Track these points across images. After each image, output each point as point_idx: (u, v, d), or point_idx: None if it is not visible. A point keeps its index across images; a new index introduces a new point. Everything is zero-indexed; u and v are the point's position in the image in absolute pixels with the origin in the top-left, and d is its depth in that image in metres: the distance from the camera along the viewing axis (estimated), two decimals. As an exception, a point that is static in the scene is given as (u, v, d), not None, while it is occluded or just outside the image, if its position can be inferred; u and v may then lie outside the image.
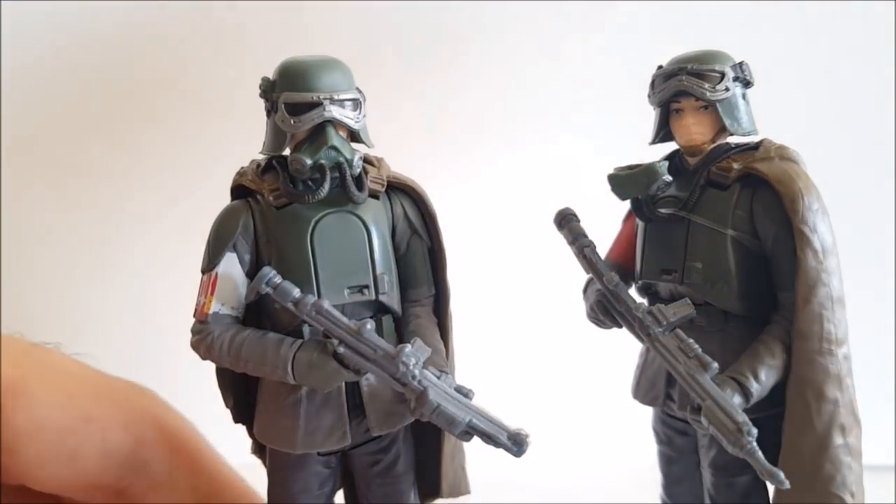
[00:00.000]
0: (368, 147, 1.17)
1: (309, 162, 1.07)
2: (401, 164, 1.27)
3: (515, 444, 1.08)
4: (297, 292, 1.07)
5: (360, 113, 1.11)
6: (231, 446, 1.51)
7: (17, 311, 2.20)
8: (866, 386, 1.26)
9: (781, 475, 1.06)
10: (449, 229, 1.29)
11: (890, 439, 2.04)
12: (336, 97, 1.06)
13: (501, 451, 1.10)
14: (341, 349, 1.07)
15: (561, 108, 2.15)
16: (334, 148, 1.07)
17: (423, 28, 2.14)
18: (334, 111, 1.06)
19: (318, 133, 1.08)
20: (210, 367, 1.24)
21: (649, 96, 1.27)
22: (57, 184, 2.17)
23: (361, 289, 1.14)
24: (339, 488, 1.37)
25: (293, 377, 1.09)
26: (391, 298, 1.18)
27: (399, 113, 1.96)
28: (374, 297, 1.15)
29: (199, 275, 1.18)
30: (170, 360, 2.15)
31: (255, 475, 1.36)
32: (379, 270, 1.15)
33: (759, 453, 1.07)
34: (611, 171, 1.25)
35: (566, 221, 1.28)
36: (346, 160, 1.09)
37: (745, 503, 1.25)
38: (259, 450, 1.36)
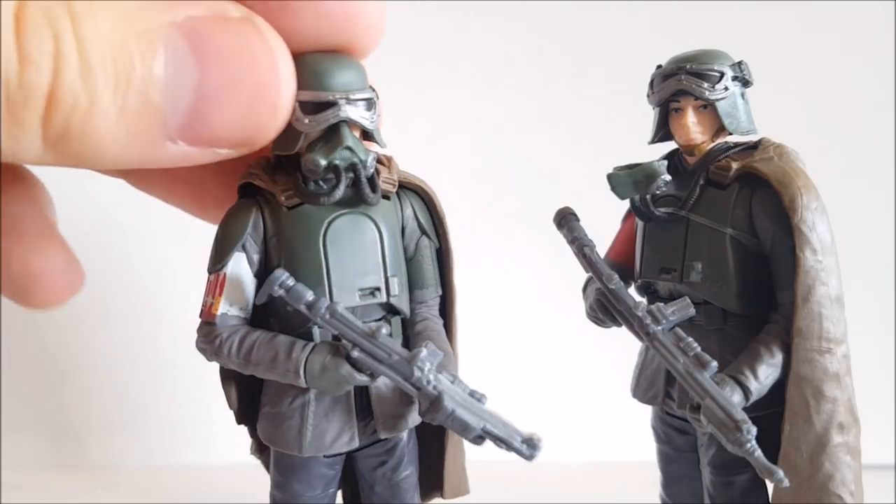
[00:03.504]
0: (381, 147, 1.15)
1: (323, 162, 1.04)
2: (403, 165, 1.27)
3: (529, 447, 1.07)
4: (310, 295, 1.05)
5: (374, 113, 1.08)
6: (231, 445, 1.51)
7: (18, 309, 2.21)
8: (866, 385, 1.26)
9: (780, 473, 1.07)
10: (452, 231, 1.29)
11: (890, 439, 2.04)
12: (351, 97, 1.03)
13: (499, 451, 1.10)
14: (355, 353, 1.06)
15: (561, 108, 2.15)
16: (349, 148, 1.04)
17: (423, 26, 2.14)
18: (350, 111, 1.03)
19: (333, 133, 1.04)
20: (211, 368, 1.24)
21: (648, 96, 1.27)
22: (56, 180, 2.17)
23: (373, 291, 1.13)
24: (338, 489, 1.37)
25: (305, 381, 1.08)
26: (401, 300, 1.17)
27: (403, 114, 1.95)
28: (385, 299, 1.13)
29: (195, 271, 1.17)
30: (171, 361, 2.16)
31: (255, 475, 1.36)
32: (390, 273, 1.14)
33: (759, 451, 1.08)
34: (610, 170, 1.25)
35: (566, 221, 1.28)
36: (361, 161, 1.06)
37: (745, 502, 1.25)
38: (260, 450, 1.36)
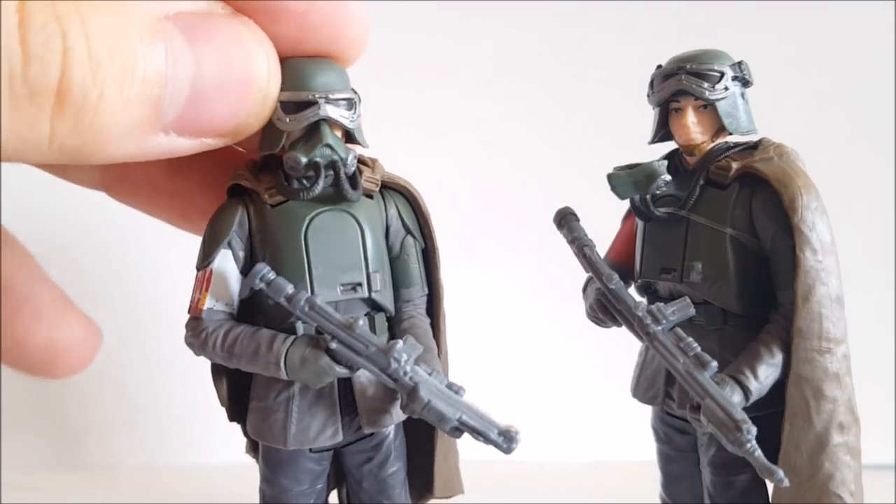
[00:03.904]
0: (363, 147, 1.17)
1: (304, 159, 1.07)
2: (395, 164, 1.28)
3: (506, 440, 1.08)
4: (290, 288, 1.08)
5: (354, 113, 1.11)
6: (231, 445, 1.51)
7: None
8: (866, 385, 1.26)
9: (780, 473, 1.07)
10: (443, 230, 1.29)
11: (890, 439, 2.04)
12: (331, 96, 1.06)
13: (495, 449, 1.10)
14: (334, 345, 1.08)
15: (561, 108, 2.15)
16: (329, 146, 1.08)
17: (419, 26, 2.14)
18: (329, 110, 1.06)
19: (314, 131, 1.08)
20: (207, 367, 1.24)
21: (648, 96, 1.27)
22: (55, 180, 2.17)
23: (354, 286, 1.15)
24: (332, 488, 1.37)
25: (286, 373, 1.10)
26: (384, 297, 1.19)
27: (394, 112, 1.96)
28: (366, 294, 1.16)
29: (194, 271, 1.19)
30: (170, 361, 2.16)
31: (254, 475, 1.36)
32: (372, 268, 1.16)
33: (759, 451, 1.08)
34: (610, 170, 1.25)
35: (566, 221, 1.28)
36: (341, 158, 1.09)
37: (745, 502, 1.25)
38: (253, 449, 1.37)
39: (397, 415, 1.18)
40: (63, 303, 0.87)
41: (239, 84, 0.75)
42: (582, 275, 1.33)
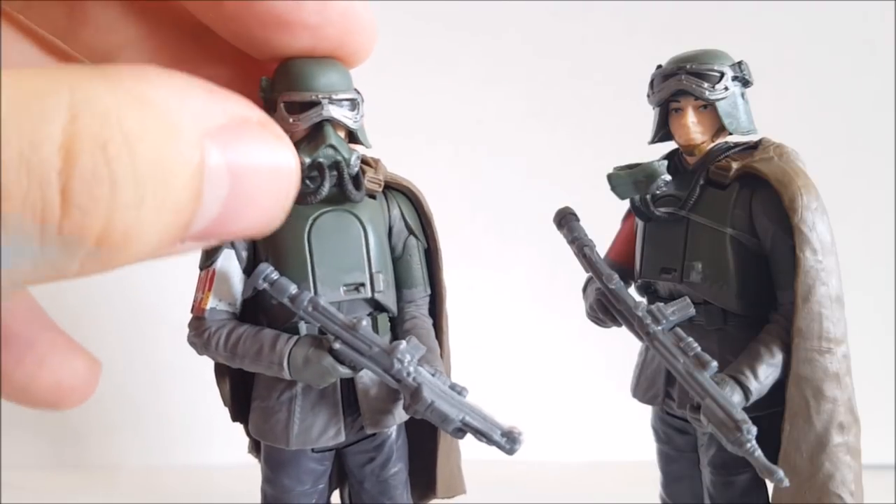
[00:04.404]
0: (366, 147, 1.17)
1: (307, 160, 1.07)
2: (396, 165, 1.28)
3: (509, 441, 1.09)
4: (293, 288, 1.08)
5: (357, 113, 1.11)
6: (231, 445, 1.51)
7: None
8: (866, 385, 1.26)
9: (781, 473, 1.07)
10: (445, 231, 1.29)
11: (890, 439, 2.04)
12: (334, 97, 1.06)
13: (496, 450, 1.10)
14: (337, 345, 1.08)
15: (561, 108, 2.15)
16: (332, 146, 1.07)
17: (421, 27, 2.14)
18: (333, 110, 1.06)
19: (317, 132, 1.07)
20: (211, 368, 1.24)
21: (648, 96, 1.27)
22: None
23: (357, 287, 1.15)
24: (335, 488, 1.37)
25: (289, 373, 1.10)
26: (387, 297, 1.19)
27: (397, 113, 1.96)
28: (369, 295, 1.16)
29: (197, 271, 1.19)
30: (171, 361, 2.16)
31: (255, 475, 1.36)
32: (375, 269, 1.17)
33: (759, 451, 1.08)
34: (610, 170, 1.25)
35: (566, 221, 1.28)
36: (344, 159, 1.09)
37: (745, 502, 1.25)
38: (256, 449, 1.37)
39: (400, 415, 1.18)
40: (64, 343, 0.86)
41: (266, 202, 0.71)
42: (582, 275, 1.33)
